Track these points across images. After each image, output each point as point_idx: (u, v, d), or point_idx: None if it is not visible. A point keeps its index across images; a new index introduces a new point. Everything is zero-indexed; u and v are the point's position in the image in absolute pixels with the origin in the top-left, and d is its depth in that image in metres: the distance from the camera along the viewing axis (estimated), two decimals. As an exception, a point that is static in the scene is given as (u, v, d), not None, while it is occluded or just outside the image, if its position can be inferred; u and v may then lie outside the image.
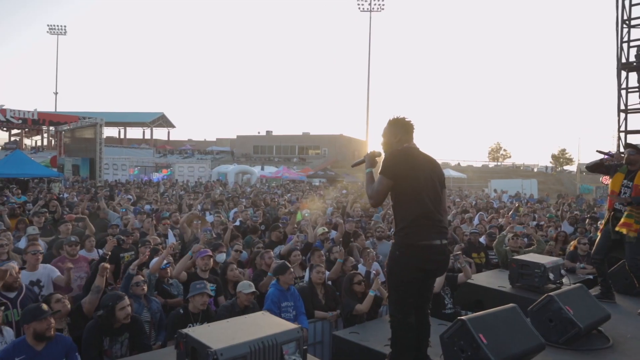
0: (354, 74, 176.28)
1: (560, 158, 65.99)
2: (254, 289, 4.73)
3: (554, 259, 5.77)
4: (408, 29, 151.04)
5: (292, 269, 5.11)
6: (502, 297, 5.08)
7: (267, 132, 67.52)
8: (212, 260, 5.57)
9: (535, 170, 56.10)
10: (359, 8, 58.90)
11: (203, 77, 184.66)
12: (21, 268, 4.71)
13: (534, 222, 10.91)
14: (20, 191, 14.24)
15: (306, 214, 9.92)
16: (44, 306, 3.52)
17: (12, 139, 55.04)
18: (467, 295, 5.61)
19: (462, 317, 3.13)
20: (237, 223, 9.18)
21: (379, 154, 3.51)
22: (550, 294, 3.94)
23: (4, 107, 47.29)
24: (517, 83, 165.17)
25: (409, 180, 3.23)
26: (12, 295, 4.24)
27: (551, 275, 5.22)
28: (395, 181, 3.24)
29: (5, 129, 51.13)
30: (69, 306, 4.14)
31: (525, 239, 7.74)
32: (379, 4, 58.16)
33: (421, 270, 3.22)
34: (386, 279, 3.58)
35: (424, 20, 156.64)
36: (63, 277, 4.99)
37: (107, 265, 4.57)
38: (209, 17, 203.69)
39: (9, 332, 3.78)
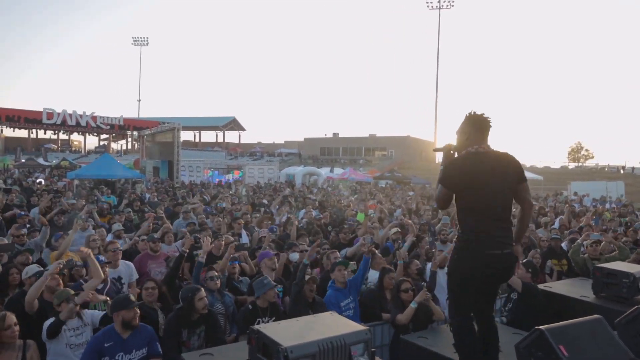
0: (422, 73, 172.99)
1: (653, 158, 60.19)
2: (310, 275, 4.92)
3: (646, 268, 5.27)
4: (479, 26, 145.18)
5: (342, 268, 5.07)
6: (585, 308, 4.72)
7: (334, 134, 68.00)
8: (276, 260, 5.67)
9: (622, 172, 51.51)
10: (428, 6, 57.80)
11: (272, 82, 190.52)
12: (106, 262, 5.17)
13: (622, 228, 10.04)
14: (110, 191, 15.46)
15: (372, 215, 9.87)
16: (132, 296, 3.84)
17: (101, 143, 59.82)
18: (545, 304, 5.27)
19: (541, 327, 2.96)
20: (302, 224, 9.32)
21: (455, 148, 3.38)
22: (641, 306, 3.61)
23: (95, 115, 51.72)
24: (600, 79, 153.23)
25: (468, 191, 3.15)
26: (99, 287, 4.72)
27: (642, 286, 4.78)
28: (454, 191, 3.20)
29: (95, 134, 55.89)
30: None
31: (612, 246, 7.15)
32: (449, 1, 56.59)
33: (478, 273, 3.15)
34: (447, 282, 3.52)
35: (496, 16, 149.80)
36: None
37: None
38: (276, 23, 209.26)
39: (87, 315, 4.12)
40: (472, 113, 3.27)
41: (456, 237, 3.34)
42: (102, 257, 5.08)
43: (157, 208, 10.50)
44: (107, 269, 5.00)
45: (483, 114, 3.25)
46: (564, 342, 2.87)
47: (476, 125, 3.23)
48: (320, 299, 4.92)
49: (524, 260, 5.44)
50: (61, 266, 4.26)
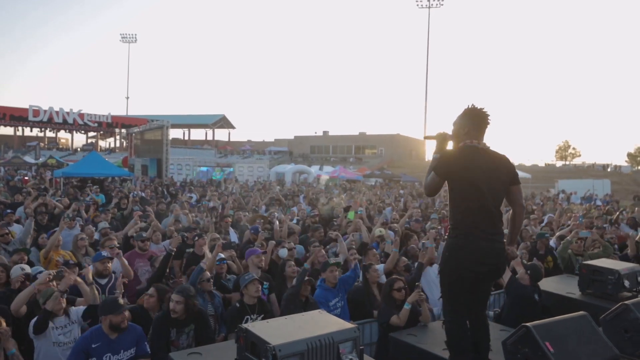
0: (412, 72, 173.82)
1: (638, 157, 61.17)
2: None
3: (631, 265, 5.35)
4: (468, 24, 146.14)
5: (335, 268, 5.06)
6: (571, 305, 4.79)
7: (324, 132, 68.03)
8: (263, 258, 5.63)
9: (609, 170, 52.25)
10: (417, 5, 58.02)
11: (262, 79, 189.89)
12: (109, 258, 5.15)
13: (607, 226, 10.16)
14: (99, 189, 15.24)
15: (359, 212, 9.85)
16: (120, 300, 3.77)
17: (89, 141, 59.13)
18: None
19: (527, 324, 3.00)
20: (295, 221, 9.33)
21: (451, 138, 3.31)
22: (625, 302, 3.67)
23: (82, 112, 51.12)
24: (588, 78, 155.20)
25: (462, 184, 3.13)
26: (103, 282, 4.76)
27: (626, 283, 4.85)
28: (447, 181, 3.16)
29: (83, 131, 55.24)
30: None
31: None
32: (438, 1, 56.80)
33: (470, 271, 3.13)
34: (440, 280, 3.49)
35: (485, 14, 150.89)
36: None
37: None
38: (266, 21, 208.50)
39: (73, 313, 4.09)
40: (472, 106, 3.20)
41: (447, 234, 3.31)
42: (104, 253, 5.08)
43: (145, 206, 10.41)
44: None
45: (483, 109, 3.19)
46: (550, 339, 2.91)
47: (475, 120, 3.18)
48: (313, 299, 4.88)
49: (529, 264, 5.38)
50: (51, 276, 4.20)
